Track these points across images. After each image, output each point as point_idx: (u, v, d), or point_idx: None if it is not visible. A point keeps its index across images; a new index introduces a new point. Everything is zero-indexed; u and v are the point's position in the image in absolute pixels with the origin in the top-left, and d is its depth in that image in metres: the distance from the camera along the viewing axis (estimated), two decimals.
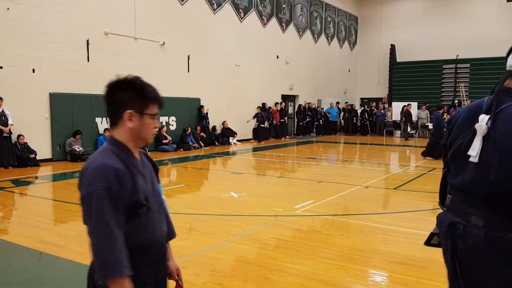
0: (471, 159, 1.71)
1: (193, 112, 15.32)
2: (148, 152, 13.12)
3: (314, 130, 21.74)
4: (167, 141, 13.88)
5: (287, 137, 19.81)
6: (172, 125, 14.54)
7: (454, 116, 1.98)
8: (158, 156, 12.64)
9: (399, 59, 24.69)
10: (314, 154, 14.47)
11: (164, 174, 10.27)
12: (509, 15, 21.43)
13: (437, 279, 3.70)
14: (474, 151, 1.70)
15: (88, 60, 11.89)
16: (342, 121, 23.33)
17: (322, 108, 22.25)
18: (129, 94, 1.65)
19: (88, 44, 11.85)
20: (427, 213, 6.12)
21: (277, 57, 19.53)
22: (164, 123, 14.16)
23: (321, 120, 21.78)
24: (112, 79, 1.67)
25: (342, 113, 23.02)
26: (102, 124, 12.35)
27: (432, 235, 2.07)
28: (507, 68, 1.80)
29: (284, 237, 4.99)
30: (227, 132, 16.50)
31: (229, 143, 16.26)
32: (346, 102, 23.54)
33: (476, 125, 1.71)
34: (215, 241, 4.80)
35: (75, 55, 11.56)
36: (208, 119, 15.65)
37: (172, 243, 4.89)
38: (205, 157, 12.92)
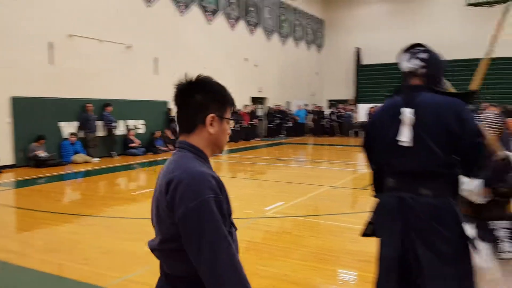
0: (404, 144, 2.12)
1: (161, 115, 15.14)
2: (116, 157, 12.89)
3: (284, 132, 21.93)
4: (136, 145, 13.66)
5: (257, 139, 19.88)
6: (140, 128, 14.32)
7: (373, 117, 2.40)
8: (126, 160, 12.42)
9: (364, 61, 25.25)
10: (284, 156, 14.59)
11: (132, 178, 10.10)
12: (467, 19, 22.33)
13: None
14: (406, 137, 2.12)
15: (52, 63, 11.55)
16: (311, 123, 23.65)
17: (291, 111, 22.49)
18: (209, 97, 1.47)
19: (51, 46, 11.51)
20: None
21: (246, 59, 19.58)
22: (132, 127, 13.93)
23: (290, 122, 22.01)
24: (183, 79, 1.50)
25: (310, 115, 23.34)
26: (67, 128, 12.01)
27: (369, 224, 2.41)
28: (404, 70, 2.29)
29: (255, 239, 5.00)
30: None
31: None
32: (314, 104, 23.87)
33: (402, 117, 2.14)
34: None
35: (38, 58, 11.20)
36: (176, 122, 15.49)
37: (138, 250, 4.82)
38: None
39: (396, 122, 2.17)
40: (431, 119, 2.11)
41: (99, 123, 12.82)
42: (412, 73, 2.24)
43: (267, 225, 5.64)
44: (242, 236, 5.09)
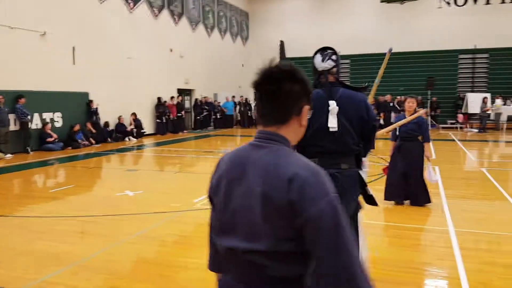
0: (332, 130, 2.75)
1: (81, 108, 14.35)
2: (32, 152, 12.04)
3: (212, 124, 21.86)
4: (53, 139, 12.85)
5: (185, 131, 19.63)
6: (58, 121, 13.46)
7: None
8: (42, 156, 11.65)
9: (288, 54, 25.87)
10: (212, 148, 14.58)
11: (50, 175, 9.52)
12: (384, 15, 23.72)
13: None
14: (334, 124, 2.75)
15: None
16: (238, 115, 23.81)
17: (219, 102, 22.47)
18: (305, 87, 1.34)
19: None
20: None
21: (171, 50, 19.17)
22: (48, 120, 13.06)
23: (218, 114, 21.99)
24: (271, 65, 1.34)
25: (237, 106, 23.49)
26: None
27: None
28: (320, 69, 2.88)
29: (184, 232, 4.98)
30: (122, 128, 15.82)
31: (123, 140, 15.60)
32: (241, 96, 24.04)
33: (330, 108, 2.75)
34: (109, 243, 4.61)
35: None
36: (98, 114, 14.81)
37: (58, 249, 4.60)
38: (97, 155, 12.23)
39: (325, 112, 2.76)
40: (350, 109, 2.79)
41: (12, 117, 11.87)
42: (327, 72, 2.85)
43: (196, 218, 5.63)
44: (169, 230, 5.06)
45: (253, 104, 23.63)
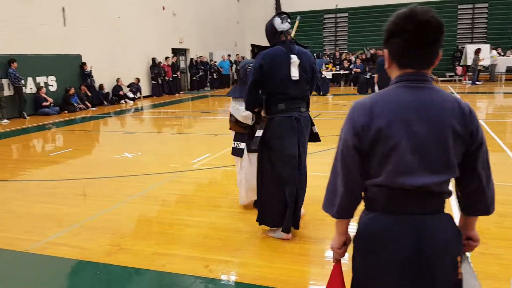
0: (294, 79, 3.34)
1: (75, 71, 14.13)
2: (28, 117, 11.97)
3: (208, 84, 21.61)
4: (48, 103, 12.74)
5: (181, 92, 19.44)
6: (52, 85, 13.29)
7: (261, 62, 3.36)
8: (39, 120, 11.59)
9: (283, 8, 25.21)
10: (209, 108, 14.50)
11: (48, 139, 9.51)
12: None
13: (327, 215, 4.06)
14: (296, 74, 3.35)
15: None
16: (235, 74, 23.50)
17: (215, 62, 22.11)
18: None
19: None
20: (317, 155, 6.59)
21: (163, 8, 18.64)
22: (42, 84, 12.88)
23: (214, 74, 21.69)
24: (431, 14, 1.41)
25: (234, 65, 23.13)
26: None
27: (259, 139, 3.51)
28: (279, 30, 3.39)
29: (183, 192, 5.03)
30: (119, 90, 15.66)
31: (119, 102, 15.48)
32: (237, 54, 23.61)
33: (292, 61, 3.33)
34: (110, 203, 4.66)
35: None
36: (93, 77, 14.60)
37: (60, 211, 4.65)
38: (93, 118, 12.17)
39: (288, 65, 3.33)
40: (306, 61, 3.43)
41: (5, 82, 11.70)
42: (285, 32, 3.40)
43: (194, 177, 5.67)
44: (169, 190, 5.10)
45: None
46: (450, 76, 21.04)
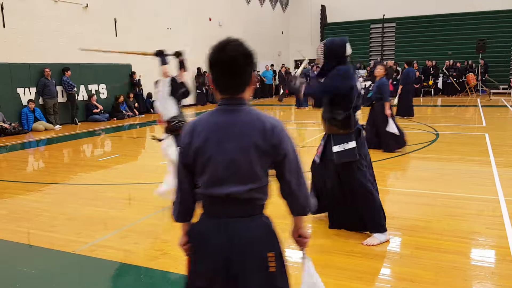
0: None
1: (124, 79, 14.69)
2: (79, 123, 12.54)
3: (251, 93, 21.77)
4: (98, 110, 13.30)
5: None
6: (103, 93, 13.89)
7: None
8: (89, 127, 12.11)
9: (329, 19, 25.10)
10: None
11: (97, 145, 9.91)
12: None
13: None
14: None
15: (4, 26, 10.90)
16: (278, 84, 23.55)
17: (258, 71, 22.29)
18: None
19: (2, 8, 10.81)
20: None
21: (210, 19, 19.06)
22: (93, 92, 13.48)
23: (257, 84, 21.85)
24: (245, 44, 1.67)
25: (277, 75, 23.21)
26: (25, 95, 11.51)
27: None
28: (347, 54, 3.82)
29: None
30: None
31: None
32: (282, 64, 23.69)
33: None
34: (154, 209, 4.77)
35: None
36: (141, 86, 15.11)
37: (107, 214, 4.80)
38: (140, 126, 12.57)
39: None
40: None
41: (59, 89, 12.34)
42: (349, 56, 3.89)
43: None
44: None
45: (293, 72, 23.30)
46: (504, 89, 20.09)
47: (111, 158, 7.76)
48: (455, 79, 19.82)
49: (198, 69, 18.12)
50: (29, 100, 11.39)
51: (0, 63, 10.78)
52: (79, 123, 12.62)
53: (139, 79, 14.97)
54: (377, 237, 3.66)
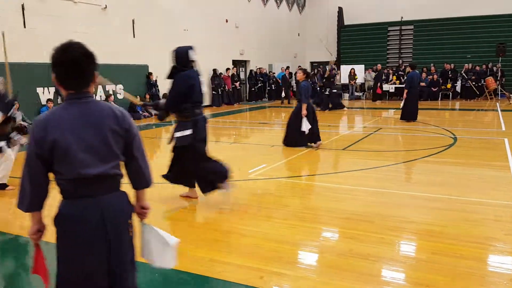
0: (204, 92, 5.00)
1: (141, 80, 14.85)
2: None
3: (266, 95, 21.80)
4: None
5: (239, 103, 19.76)
6: (120, 93, 14.05)
7: (193, 80, 4.87)
8: None
9: (346, 22, 24.94)
10: (267, 119, 14.60)
11: None
12: None
13: (382, 232, 3.94)
14: (204, 89, 5.03)
15: (25, 27, 11.12)
16: (294, 85, 23.46)
17: (273, 73, 22.29)
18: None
19: (23, 9, 11.03)
20: (373, 170, 6.42)
21: (226, 21, 19.14)
22: (111, 92, 13.66)
23: (273, 85, 21.85)
24: (86, 46, 1.95)
25: (293, 77, 23.14)
26: (44, 94, 11.73)
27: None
28: (191, 59, 4.92)
29: (239, 201, 5.08)
30: None
31: None
32: (299, 66, 23.63)
33: (202, 80, 4.94)
34: (168, 208, 4.81)
35: (9, 21, 10.74)
36: (157, 86, 15.25)
37: None
38: (156, 126, 12.68)
39: (200, 82, 4.79)
40: None
41: None
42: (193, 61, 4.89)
43: (250, 187, 5.71)
44: (226, 198, 5.17)
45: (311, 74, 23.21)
46: None
47: None
48: (474, 83, 19.52)
49: (214, 70, 18.20)
50: (48, 100, 11.59)
51: (20, 62, 11.00)
52: None
53: (155, 80, 15.11)
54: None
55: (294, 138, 8.27)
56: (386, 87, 20.08)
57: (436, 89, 19.55)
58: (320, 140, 8.37)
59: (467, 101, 19.25)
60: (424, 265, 3.31)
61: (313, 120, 8.18)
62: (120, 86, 14.02)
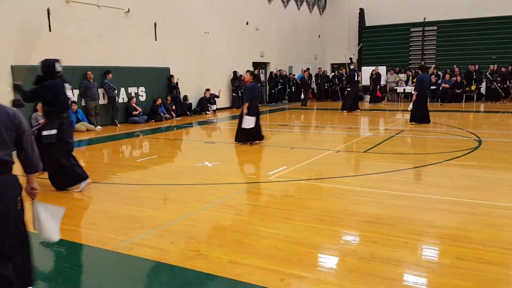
0: (71, 98, 6.12)
1: (162, 82, 15.02)
2: (119, 125, 12.92)
3: (286, 97, 21.76)
4: (137, 112, 13.65)
5: (259, 105, 19.75)
6: (142, 96, 14.25)
7: (56, 86, 5.59)
8: (129, 128, 12.45)
9: (368, 23, 24.72)
10: (287, 121, 14.57)
11: (136, 146, 10.17)
12: None
13: (404, 236, 3.88)
14: (71, 95, 6.14)
15: (50, 30, 11.40)
16: (315, 87, 23.38)
17: (293, 75, 22.24)
18: None
19: (48, 13, 11.32)
20: (395, 173, 6.33)
21: (247, 23, 19.21)
22: (133, 94, 13.86)
23: (293, 87, 21.80)
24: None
25: (313, 79, 23.05)
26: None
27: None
28: (58, 70, 5.63)
29: (259, 203, 5.08)
30: (204, 101, 16.33)
31: (201, 113, 16.13)
32: (319, 68, 23.54)
33: (67, 86, 5.80)
34: (190, 209, 4.85)
35: (35, 25, 11.03)
36: (178, 89, 15.40)
37: (144, 214, 4.91)
38: (177, 128, 12.81)
39: (65, 89, 5.60)
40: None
41: (100, 91, 12.76)
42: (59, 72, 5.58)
43: (271, 189, 5.71)
44: (245, 200, 5.18)
45: (331, 76, 23.08)
46: None
47: (149, 159, 7.94)
48: (499, 84, 19.06)
49: (234, 72, 18.27)
50: (72, 102, 11.83)
51: None
52: (119, 125, 13.00)
53: (176, 82, 15.27)
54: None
55: (238, 134, 9.35)
56: (408, 89, 19.81)
57: (460, 91, 19.17)
58: (262, 139, 9.35)
59: (492, 103, 18.82)
60: (447, 270, 3.25)
61: (256, 119, 9.06)
62: (142, 89, 14.21)
